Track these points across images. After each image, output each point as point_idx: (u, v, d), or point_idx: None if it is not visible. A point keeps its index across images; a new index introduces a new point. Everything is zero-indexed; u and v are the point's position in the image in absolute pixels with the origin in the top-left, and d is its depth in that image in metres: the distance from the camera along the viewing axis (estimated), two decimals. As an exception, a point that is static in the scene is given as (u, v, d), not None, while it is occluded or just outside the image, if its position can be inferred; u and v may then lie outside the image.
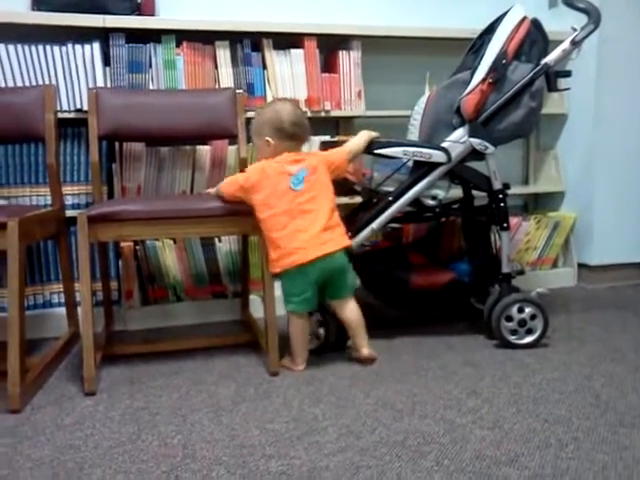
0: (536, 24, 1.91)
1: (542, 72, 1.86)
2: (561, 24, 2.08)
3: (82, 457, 1.29)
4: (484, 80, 1.85)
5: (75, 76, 2.11)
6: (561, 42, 1.88)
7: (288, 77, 2.33)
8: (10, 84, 2.06)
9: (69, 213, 2.07)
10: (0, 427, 1.44)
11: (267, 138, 1.78)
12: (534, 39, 1.87)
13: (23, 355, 1.56)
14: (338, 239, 1.75)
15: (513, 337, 1.92)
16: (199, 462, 1.27)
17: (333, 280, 1.76)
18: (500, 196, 1.94)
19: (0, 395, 1.58)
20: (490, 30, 1.96)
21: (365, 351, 1.80)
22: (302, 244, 1.70)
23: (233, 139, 2.17)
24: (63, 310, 2.10)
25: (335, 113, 2.39)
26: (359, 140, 1.90)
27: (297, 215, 1.71)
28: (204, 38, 2.24)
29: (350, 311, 1.80)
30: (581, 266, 2.72)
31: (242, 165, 2.11)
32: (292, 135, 1.78)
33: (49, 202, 2.06)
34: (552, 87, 1.91)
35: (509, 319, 1.91)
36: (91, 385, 1.63)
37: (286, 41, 2.33)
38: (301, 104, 2.33)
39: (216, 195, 1.83)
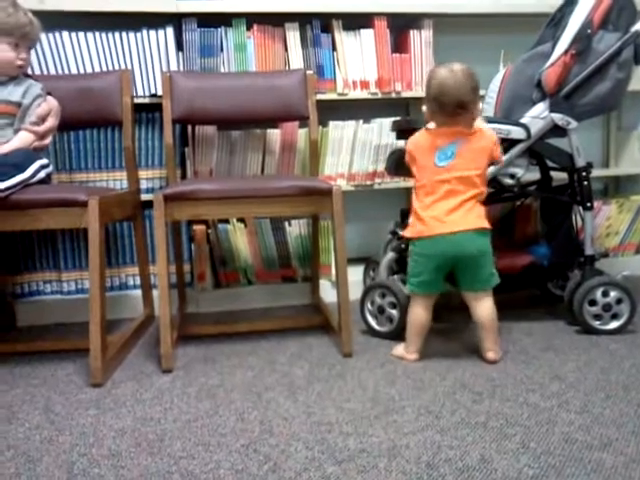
0: (624, -10, 1.80)
1: (631, 41, 1.74)
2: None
3: (162, 429, 1.31)
4: (567, 52, 1.76)
5: (150, 62, 2.14)
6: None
7: (358, 58, 2.30)
8: (89, 70, 2.11)
9: (143, 197, 2.11)
10: (84, 399, 1.48)
11: (423, 107, 1.66)
12: (622, 5, 1.76)
13: (104, 332, 1.60)
14: (469, 219, 1.60)
15: (597, 322, 1.83)
16: (277, 437, 1.26)
17: (463, 268, 1.63)
18: (584, 174, 1.85)
19: (83, 370, 1.64)
20: (572, 2, 1.87)
21: (491, 355, 1.65)
22: (427, 220, 1.61)
23: (303, 121, 2.16)
24: (138, 292, 2.15)
25: (406, 94, 2.33)
26: None
27: (431, 191, 1.62)
28: (274, 20, 2.23)
29: (482, 309, 1.64)
30: (667, 252, 2.57)
31: (313, 147, 2.09)
32: (440, 108, 1.60)
33: (125, 186, 2.11)
34: (639, 59, 1.80)
35: (593, 303, 1.81)
36: (168, 362, 1.65)
37: (356, 21, 2.29)
38: (371, 85, 2.30)
39: None
